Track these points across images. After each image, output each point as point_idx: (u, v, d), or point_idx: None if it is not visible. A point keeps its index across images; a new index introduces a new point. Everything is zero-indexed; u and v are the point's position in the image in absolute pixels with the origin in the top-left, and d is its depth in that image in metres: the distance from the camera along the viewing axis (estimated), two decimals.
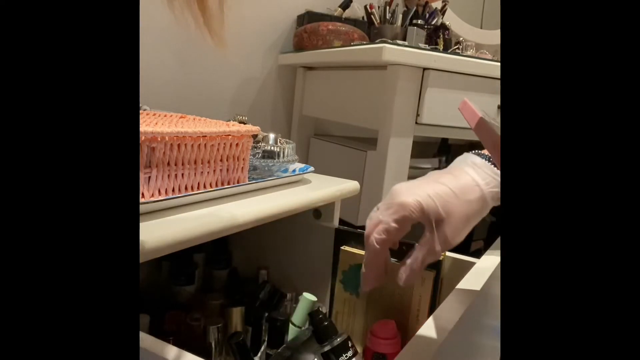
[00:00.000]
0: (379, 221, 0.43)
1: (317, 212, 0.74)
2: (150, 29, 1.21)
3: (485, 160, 0.45)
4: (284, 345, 0.60)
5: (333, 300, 0.66)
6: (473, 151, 0.48)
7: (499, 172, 0.44)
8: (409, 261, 0.43)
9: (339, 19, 1.42)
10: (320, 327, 0.53)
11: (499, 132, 0.39)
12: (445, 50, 1.41)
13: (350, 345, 0.52)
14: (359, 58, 1.12)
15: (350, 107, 1.23)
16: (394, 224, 0.42)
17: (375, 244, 0.43)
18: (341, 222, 0.73)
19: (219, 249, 0.84)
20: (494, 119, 0.43)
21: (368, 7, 1.42)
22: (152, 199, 0.51)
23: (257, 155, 0.71)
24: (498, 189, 0.43)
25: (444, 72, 1.05)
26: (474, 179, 0.43)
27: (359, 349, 0.62)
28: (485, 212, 0.44)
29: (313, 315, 0.54)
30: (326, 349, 0.51)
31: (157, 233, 0.45)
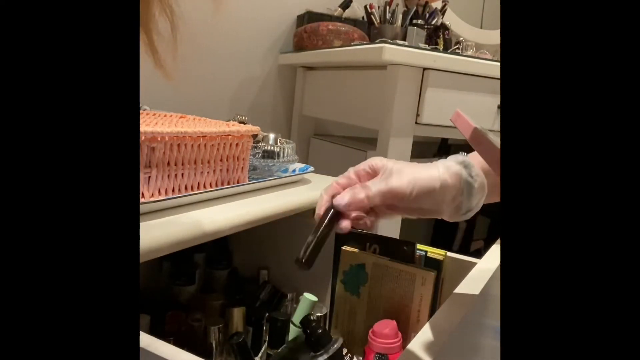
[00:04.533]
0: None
1: None
2: None
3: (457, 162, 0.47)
4: (285, 346, 0.60)
5: (334, 300, 0.66)
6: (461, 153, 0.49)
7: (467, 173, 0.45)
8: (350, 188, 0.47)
9: (339, 19, 1.42)
10: (313, 335, 0.52)
11: (494, 142, 0.40)
12: (445, 50, 1.41)
13: (344, 353, 0.52)
14: (359, 58, 1.12)
15: (350, 107, 1.23)
16: (353, 176, 0.47)
17: (336, 183, 0.48)
18: None
19: (219, 249, 0.84)
20: (488, 130, 0.43)
21: (368, 7, 1.42)
22: (152, 199, 0.51)
23: (257, 155, 0.71)
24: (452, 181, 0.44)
25: (444, 72, 1.05)
26: (438, 170, 0.45)
27: (360, 349, 0.62)
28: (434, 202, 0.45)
29: (305, 323, 0.53)
30: (321, 359, 0.51)
31: (157, 233, 0.45)
